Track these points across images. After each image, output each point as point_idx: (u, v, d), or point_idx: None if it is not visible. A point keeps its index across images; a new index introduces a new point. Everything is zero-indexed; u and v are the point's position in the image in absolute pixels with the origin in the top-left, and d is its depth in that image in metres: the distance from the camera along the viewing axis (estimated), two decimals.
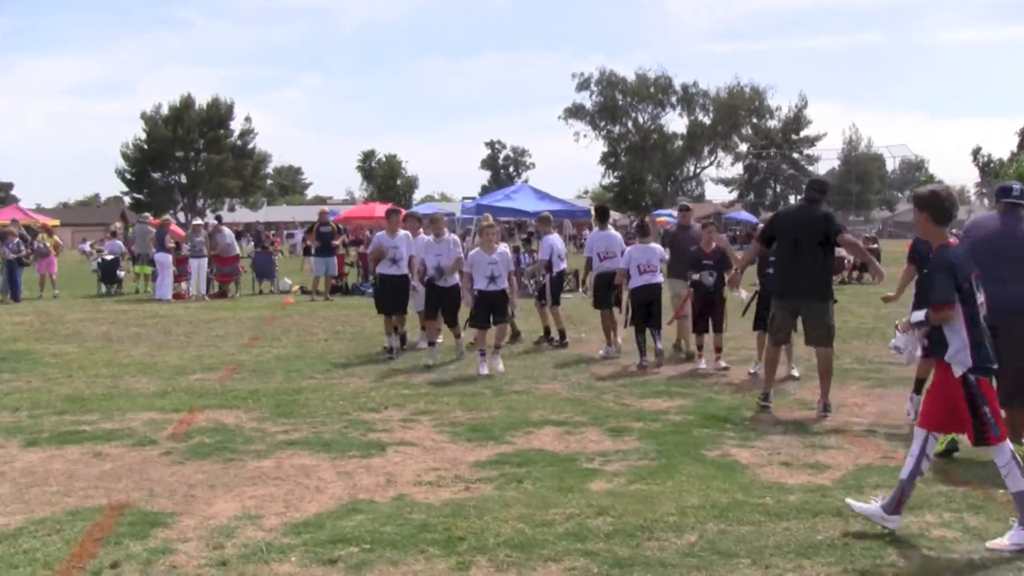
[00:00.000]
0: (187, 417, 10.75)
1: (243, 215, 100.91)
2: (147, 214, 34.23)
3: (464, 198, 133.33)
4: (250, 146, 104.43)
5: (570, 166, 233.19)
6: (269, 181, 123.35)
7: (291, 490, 7.87)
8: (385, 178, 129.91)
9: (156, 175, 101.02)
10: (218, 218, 32.21)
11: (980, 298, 6.67)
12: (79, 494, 7.81)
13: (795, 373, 12.90)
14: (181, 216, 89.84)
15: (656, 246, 15.05)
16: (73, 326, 20.32)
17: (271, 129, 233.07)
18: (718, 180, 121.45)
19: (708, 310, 14.30)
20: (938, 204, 6.75)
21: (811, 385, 12.27)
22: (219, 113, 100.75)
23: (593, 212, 16.85)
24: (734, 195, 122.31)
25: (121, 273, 30.84)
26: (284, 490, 7.87)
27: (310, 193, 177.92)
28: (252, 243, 47.41)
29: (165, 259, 27.27)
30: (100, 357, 15.45)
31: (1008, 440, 6.54)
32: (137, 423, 10.42)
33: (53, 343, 17.39)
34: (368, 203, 61.42)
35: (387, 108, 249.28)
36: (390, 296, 15.56)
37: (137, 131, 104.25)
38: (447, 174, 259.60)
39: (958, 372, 6.56)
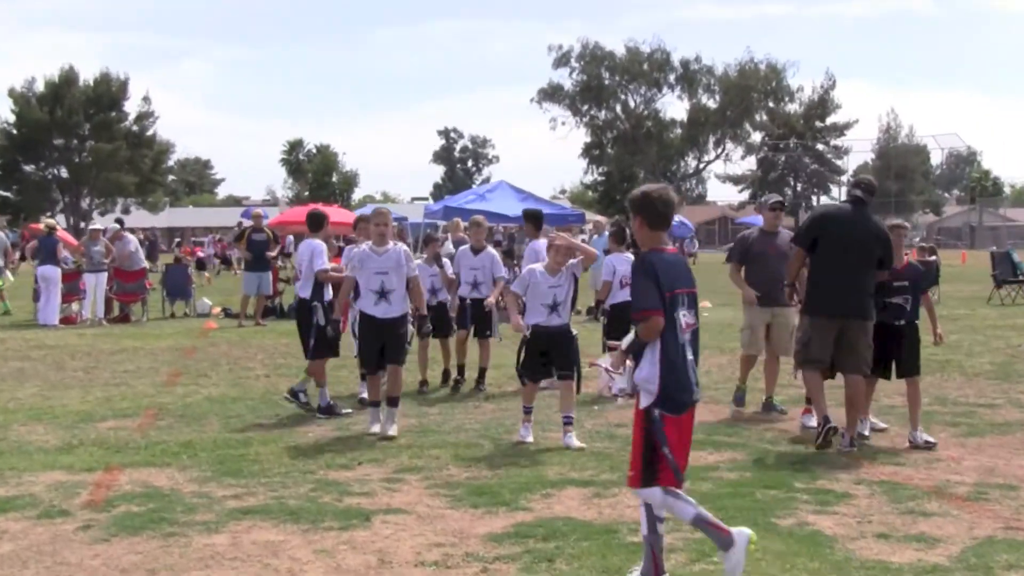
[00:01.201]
0: (104, 478, 10.38)
1: (140, 218, 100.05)
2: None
3: (415, 199, 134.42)
4: (149, 133, 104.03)
5: (543, 160, 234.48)
6: (172, 177, 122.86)
7: (258, 574, 7.54)
8: (317, 174, 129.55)
9: (29, 167, 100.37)
10: (119, 222, 31.76)
11: (688, 318, 7.01)
12: None
13: (879, 424, 12.55)
14: (61, 220, 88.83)
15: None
16: None
17: (171, 113, 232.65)
18: (725, 177, 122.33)
19: (894, 347, 12.15)
20: (650, 206, 7.19)
21: (889, 434, 12.20)
22: (110, 91, 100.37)
23: (610, 230, 16.67)
24: (745, 195, 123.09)
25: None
26: (248, 575, 7.52)
27: (222, 192, 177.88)
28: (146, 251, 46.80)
29: (52, 274, 26.79)
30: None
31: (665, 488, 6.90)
32: (39, 487, 10.03)
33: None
34: (308, 204, 60.91)
35: (316, 87, 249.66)
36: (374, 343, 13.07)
37: (4, 112, 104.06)
38: (391, 170, 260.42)
39: (643, 403, 6.95)
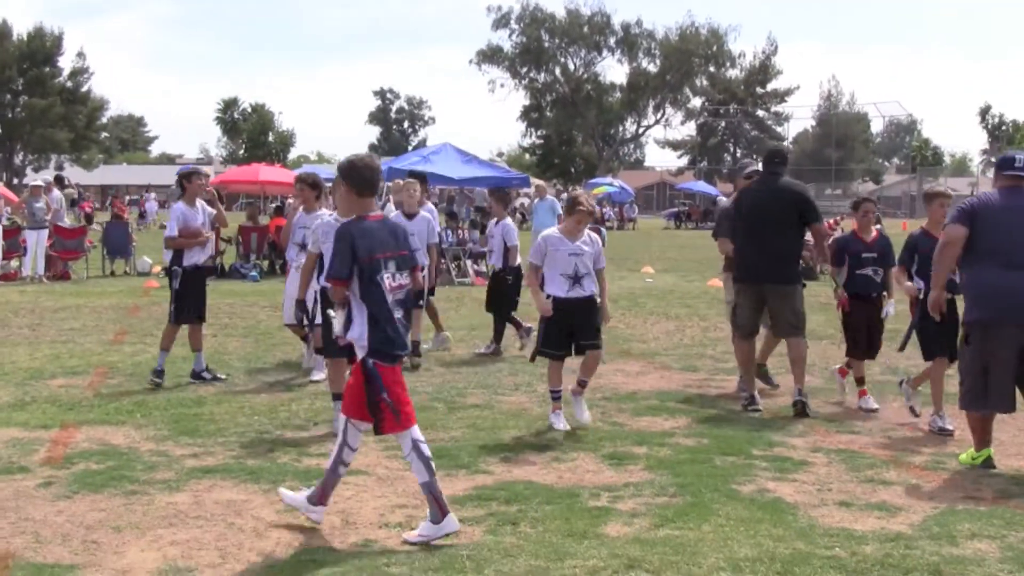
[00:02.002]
0: (61, 436, 10.34)
1: (74, 175, 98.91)
2: None
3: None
4: (83, 89, 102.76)
5: (481, 122, 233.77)
6: (105, 134, 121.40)
7: (222, 534, 7.53)
8: (253, 133, 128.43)
9: None
10: (59, 179, 31.43)
11: (397, 280, 7.60)
12: None
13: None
14: None
15: (594, 236, 11.30)
16: None
17: (105, 69, 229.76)
18: (664, 142, 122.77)
19: (873, 325, 12.35)
20: (357, 174, 7.65)
21: (841, 402, 12.37)
22: (43, 46, 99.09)
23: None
24: (684, 161, 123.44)
25: None
26: (213, 534, 7.52)
27: (155, 149, 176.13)
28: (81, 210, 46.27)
29: None
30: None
31: (412, 428, 7.61)
32: None
33: None
34: (251, 164, 60.45)
35: (251, 45, 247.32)
36: None
37: None
38: (326, 130, 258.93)
39: (359, 355, 7.57)
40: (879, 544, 7.40)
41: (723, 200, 14.05)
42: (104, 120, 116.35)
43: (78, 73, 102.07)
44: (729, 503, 8.33)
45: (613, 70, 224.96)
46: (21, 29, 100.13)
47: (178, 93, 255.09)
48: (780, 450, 10.08)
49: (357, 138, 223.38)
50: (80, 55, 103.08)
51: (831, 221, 29.51)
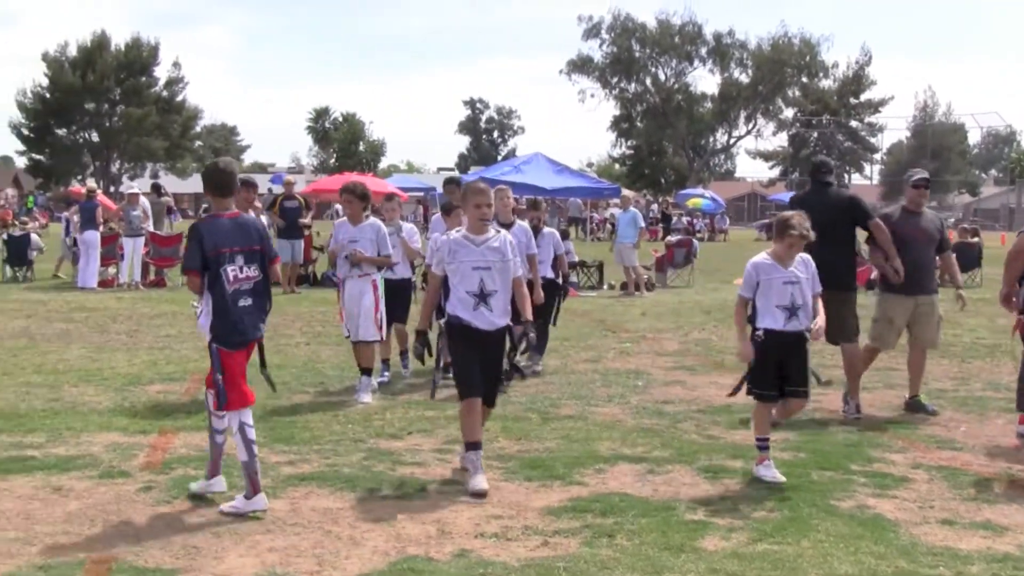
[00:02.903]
0: (159, 441, 10.49)
1: (168, 183, 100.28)
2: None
3: (440, 169, 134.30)
4: (178, 99, 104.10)
5: (571, 133, 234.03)
6: (198, 143, 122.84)
7: (319, 541, 7.58)
8: (344, 142, 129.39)
9: (61, 131, 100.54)
10: (156, 187, 31.85)
11: (244, 272, 8.40)
12: (44, 542, 7.50)
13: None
14: (91, 183, 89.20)
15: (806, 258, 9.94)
16: None
17: (199, 78, 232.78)
18: (756, 153, 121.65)
19: None
20: (213, 177, 8.56)
21: (943, 419, 12.32)
22: (140, 56, 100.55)
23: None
24: (775, 172, 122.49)
25: (33, 253, 30.42)
26: (311, 541, 7.58)
27: (247, 159, 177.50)
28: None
29: (92, 238, 26.92)
30: (27, 360, 15.15)
31: (237, 411, 8.41)
32: (97, 448, 10.14)
33: None
34: (343, 173, 60.80)
35: (340, 55, 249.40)
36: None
37: (37, 76, 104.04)
38: (416, 139, 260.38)
39: (206, 340, 8.43)
40: (985, 565, 7.27)
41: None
42: (198, 129, 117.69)
43: (173, 83, 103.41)
44: (828, 518, 8.24)
45: (704, 80, 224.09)
46: (119, 39, 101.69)
47: (270, 103, 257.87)
48: (879, 466, 9.94)
49: (447, 148, 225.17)
50: (176, 65, 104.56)
51: None
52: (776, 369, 9.47)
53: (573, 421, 11.77)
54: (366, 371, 12.99)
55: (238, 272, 8.39)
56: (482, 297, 9.10)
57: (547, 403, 12.73)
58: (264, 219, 30.50)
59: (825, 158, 13.61)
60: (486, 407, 9.39)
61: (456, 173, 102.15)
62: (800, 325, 9.44)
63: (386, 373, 14.13)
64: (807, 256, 9.65)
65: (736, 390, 9.72)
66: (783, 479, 9.21)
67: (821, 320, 9.52)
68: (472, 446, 9.12)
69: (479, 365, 9.13)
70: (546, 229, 15.90)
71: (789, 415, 10.07)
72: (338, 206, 41.38)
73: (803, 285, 9.47)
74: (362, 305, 12.96)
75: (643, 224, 30.06)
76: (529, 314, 9.46)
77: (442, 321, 9.68)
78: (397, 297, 14.06)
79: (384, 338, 13.57)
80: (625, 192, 31.68)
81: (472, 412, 9.14)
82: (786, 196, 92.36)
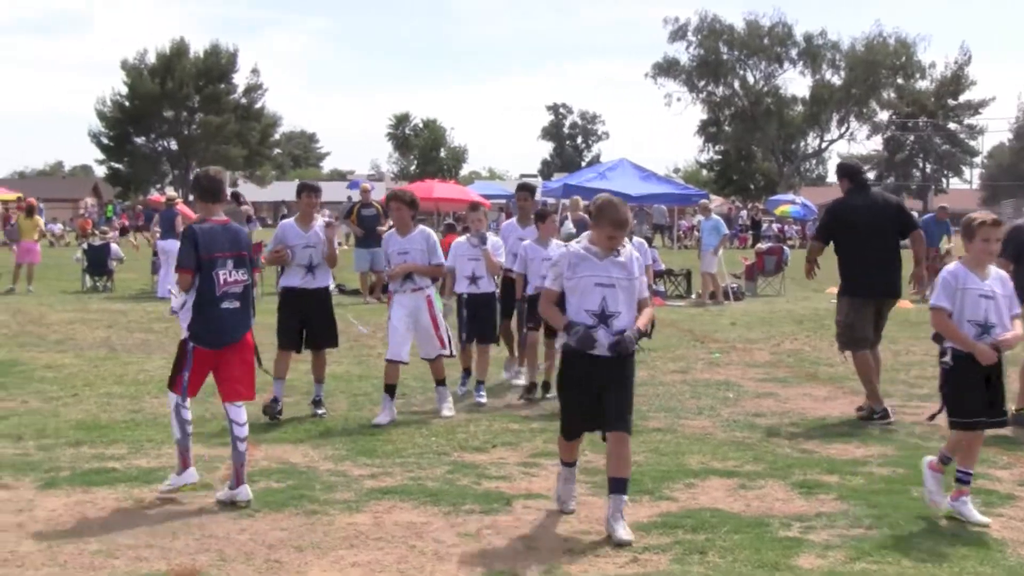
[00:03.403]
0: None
1: (248, 192, 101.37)
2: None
3: (522, 176, 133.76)
4: (257, 105, 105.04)
5: (657, 138, 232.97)
6: (277, 150, 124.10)
7: (403, 556, 7.61)
8: (424, 149, 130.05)
9: (139, 140, 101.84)
10: (235, 195, 32.08)
11: (233, 276, 9.15)
12: (127, 555, 7.60)
13: None
14: (170, 191, 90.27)
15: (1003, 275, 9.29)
16: (61, 329, 20.34)
17: (278, 85, 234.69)
18: (849, 157, 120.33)
19: None
20: (198, 183, 9.47)
21: None
22: (219, 63, 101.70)
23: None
24: (870, 176, 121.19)
25: (113, 263, 30.87)
26: (394, 556, 7.61)
27: (326, 166, 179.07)
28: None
29: (172, 247, 27.16)
30: (108, 371, 15.38)
31: (178, 396, 9.21)
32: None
33: (43, 351, 17.35)
34: (425, 180, 61.04)
35: (421, 60, 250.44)
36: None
37: (116, 84, 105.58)
38: (498, 145, 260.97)
39: (183, 336, 9.24)
40: None
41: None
42: (277, 136, 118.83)
43: (252, 90, 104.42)
44: (930, 537, 8.14)
45: (795, 83, 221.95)
46: (198, 46, 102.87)
47: (350, 109, 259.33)
48: (983, 482, 9.77)
49: (530, 154, 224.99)
50: (254, 71, 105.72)
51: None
52: (982, 393, 8.64)
53: (662, 434, 11.74)
54: (440, 382, 12.95)
55: (227, 276, 9.15)
56: (602, 318, 8.27)
57: (635, 415, 12.49)
58: (343, 228, 30.75)
59: (852, 159, 14.03)
60: (618, 433, 8.41)
61: (538, 179, 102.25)
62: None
63: (467, 380, 14.24)
64: (1004, 273, 8.98)
65: (935, 416, 9.35)
66: (987, 521, 8.52)
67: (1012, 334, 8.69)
68: (570, 463, 8.93)
69: (588, 398, 8.35)
70: (635, 239, 15.75)
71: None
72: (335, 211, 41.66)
73: (999, 301, 8.70)
74: (420, 325, 12.66)
75: (726, 231, 29.89)
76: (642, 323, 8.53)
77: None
78: (481, 312, 14.02)
79: (453, 352, 13.22)
80: (704, 200, 31.43)
81: (573, 447, 8.90)
82: None
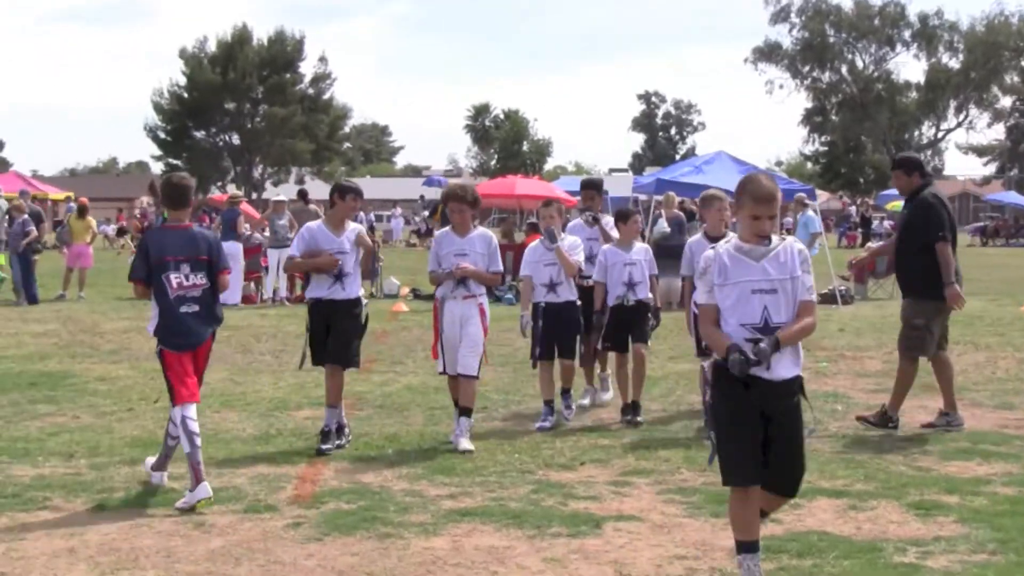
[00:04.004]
0: (309, 472, 10.69)
1: (315, 189, 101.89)
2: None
3: (612, 170, 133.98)
4: (325, 96, 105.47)
5: (757, 128, 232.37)
6: (347, 144, 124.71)
7: None
8: (506, 142, 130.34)
9: (199, 134, 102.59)
10: (302, 193, 32.36)
11: (190, 280, 10.00)
12: None
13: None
14: (232, 189, 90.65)
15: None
16: (115, 338, 20.57)
17: (347, 75, 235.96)
18: (968, 148, 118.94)
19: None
20: (165, 191, 10.47)
21: None
22: (284, 51, 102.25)
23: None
24: (991, 168, 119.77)
25: None
26: None
27: (400, 160, 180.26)
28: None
29: (235, 250, 27.41)
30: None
31: (184, 406, 9.94)
32: (241, 479, 10.37)
33: (95, 362, 17.55)
34: (506, 176, 60.96)
35: (501, 47, 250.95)
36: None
37: (175, 74, 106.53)
38: (585, 138, 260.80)
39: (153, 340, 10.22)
40: None
41: None
42: (347, 130, 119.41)
43: (320, 79, 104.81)
44: None
45: (908, 67, 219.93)
46: (261, 33, 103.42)
47: (425, 100, 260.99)
48: None
49: (619, 146, 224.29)
50: (322, 60, 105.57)
51: None
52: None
53: (695, 429, 11.83)
54: (465, 411, 12.04)
55: (183, 280, 10.00)
56: (766, 332, 7.23)
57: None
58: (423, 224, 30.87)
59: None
60: (780, 497, 7.81)
61: (628, 174, 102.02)
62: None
63: (549, 417, 12.97)
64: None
65: None
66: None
67: None
68: (747, 547, 7.42)
69: (752, 433, 7.29)
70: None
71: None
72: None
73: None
74: (466, 333, 12.11)
75: (818, 228, 29.57)
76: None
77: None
78: (561, 324, 13.23)
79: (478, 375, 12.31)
80: (800, 194, 31.07)
81: (746, 505, 7.44)
82: (1004, 196, 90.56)
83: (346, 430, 12.02)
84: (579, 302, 13.49)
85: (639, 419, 13.07)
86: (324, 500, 9.60)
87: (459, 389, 12.12)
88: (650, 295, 13.57)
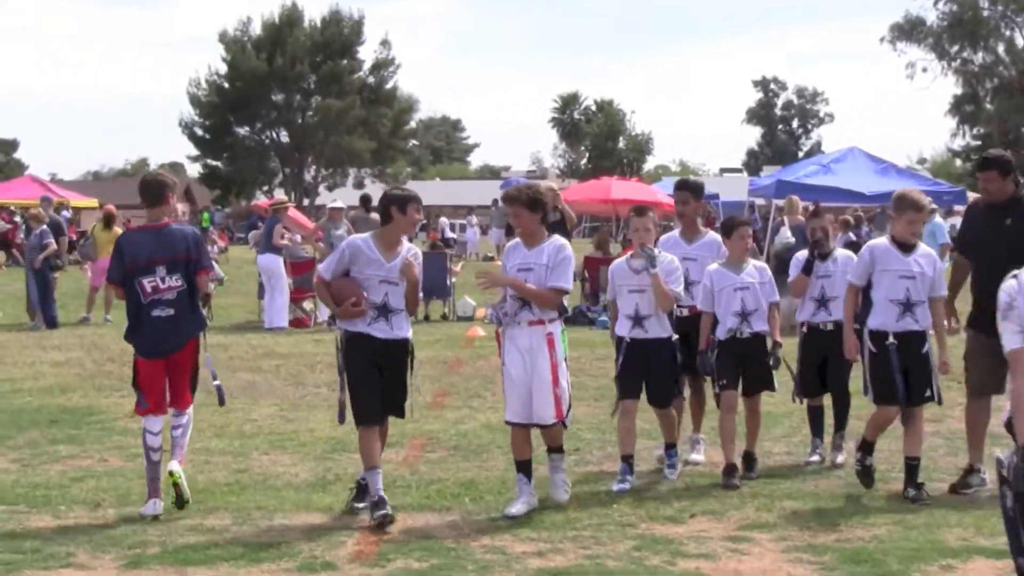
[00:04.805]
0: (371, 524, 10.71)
1: (377, 194, 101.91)
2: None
3: (724, 170, 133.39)
4: (388, 86, 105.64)
5: (896, 119, 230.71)
6: (413, 142, 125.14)
7: None
8: (598, 138, 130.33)
9: (242, 130, 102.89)
10: (364, 199, 32.38)
11: (166, 283, 11.09)
12: None
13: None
14: (280, 194, 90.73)
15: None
16: None
17: (411, 61, 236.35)
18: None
19: None
20: (139, 188, 11.44)
21: None
22: (340, 34, 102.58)
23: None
24: None
25: (211, 285, 31.29)
26: None
27: (475, 160, 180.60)
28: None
29: (272, 264, 27.42)
30: (205, 421, 15.50)
31: (145, 418, 11.39)
32: (294, 533, 10.43)
33: (125, 396, 17.55)
34: (600, 178, 60.81)
35: (592, 29, 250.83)
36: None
37: (214, 61, 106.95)
38: (692, 132, 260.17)
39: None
40: None
41: None
42: (413, 125, 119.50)
43: (382, 66, 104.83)
44: None
45: None
46: (313, 14, 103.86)
47: (505, 90, 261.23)
48: None
49: (732, 142, 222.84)
50: (384, 43, 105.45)
51: None
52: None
53: (910, 501, 11.61)
54: (556, 449, 11.62)
55: (158, 283, 11.08)
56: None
57: (876, 476, 12.49)
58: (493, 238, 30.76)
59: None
60: None
61: (743, 175, 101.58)
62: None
63: (628, 477, 12.17)
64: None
65: None
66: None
67: None
68: None
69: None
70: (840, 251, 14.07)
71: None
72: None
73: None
74: (535, 370, 11.28)
75: (944, 239, 28.42)
76: None
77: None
78: (650, 365, 12.36)
79: (567, 423, 11.67)
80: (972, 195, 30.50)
81: None
82: None
83: (388, 508, 10.74)
84: (675, 337, 12.53)
85: (752, 475, 12.60)
86: (390, 557, 9.62)
87: (544, 432, 11.51)
88: (766, 327, 12.81)
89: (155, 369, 11.26)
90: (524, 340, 11.37)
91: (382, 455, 11.28)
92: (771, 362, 12.87)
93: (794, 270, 13.57)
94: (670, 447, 12.79)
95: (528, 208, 11.42)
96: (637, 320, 12.32)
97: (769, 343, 12.90)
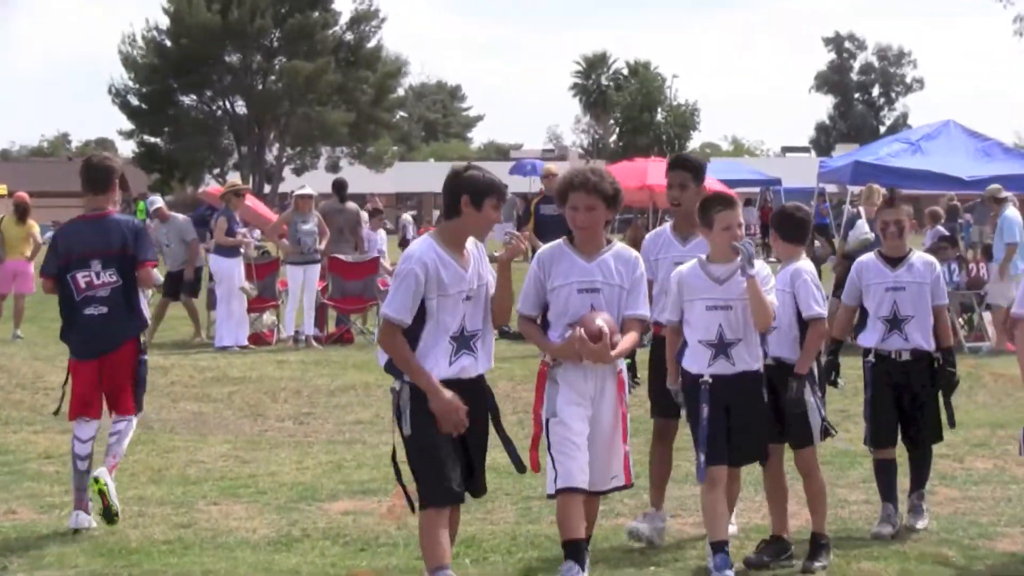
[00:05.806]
0: None
1: (356, 179, 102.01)
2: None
3: (787, 149, 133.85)
4: (369, 45, 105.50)
5: (1000, 86, 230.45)
6: (401, 114, 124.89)
7: None
8: (631, 109, 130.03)
9: (188, 99, 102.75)
10: (338, 186, 31.98)
11: (101, 278, 12.18)
12: None
13: None
14: (235, 178, 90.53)
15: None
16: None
17: (401, 15, 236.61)
18: None
19: None
20: (82, 173, 12.59)
21: None
22: None
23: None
24: None
25: (148, 293, 31.12)
26: None
27: (477, 137, 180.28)
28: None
29: (225, 267, 27.14)
30: (140, 462, 15.50)
31: (74, 422, 12.58)
32: None
33: (38, 431, 17.64)
34: (634, 159, 60.26)
35: None
36: None
37: (154, 13, 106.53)
38: (748, 102, 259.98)
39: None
40: None
41: None
42: (401, 92, 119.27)
43: (362, 20, 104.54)
44: None
45: None
46: None
47: (515, 50, 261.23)
48: None
49: (798, 115, 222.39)
50: None
51: None
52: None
53: (1018, 562, 11.61)
54: (574, 548, 10.03)
55: (92, 278, 12.23)
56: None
57: (974, 531, 12.49)
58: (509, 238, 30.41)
59: None
60: None
61: (811, 155, 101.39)
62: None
63: (728, 573, 10.66)
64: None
65: None
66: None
67: None
68: None
69: None
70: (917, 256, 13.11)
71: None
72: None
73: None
74: (599, 423, 10.24)
75: (1016, 237, 27.23)
76: None
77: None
78: (744, 410, 10.86)
79: (632, 480, 10.61)
80: (993, 186, 29.32)
81: None
82: None
83: None
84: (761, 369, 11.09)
85: (820, 564, 11.27)
86: None
87: (588, 510, 10.27)
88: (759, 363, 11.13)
89: (88, 371, 12.36)
90: (586, 384, 10.16)
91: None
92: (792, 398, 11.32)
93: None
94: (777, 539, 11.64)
95: (608, 203, 10.27)
96: (722, 347, 10.79)
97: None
